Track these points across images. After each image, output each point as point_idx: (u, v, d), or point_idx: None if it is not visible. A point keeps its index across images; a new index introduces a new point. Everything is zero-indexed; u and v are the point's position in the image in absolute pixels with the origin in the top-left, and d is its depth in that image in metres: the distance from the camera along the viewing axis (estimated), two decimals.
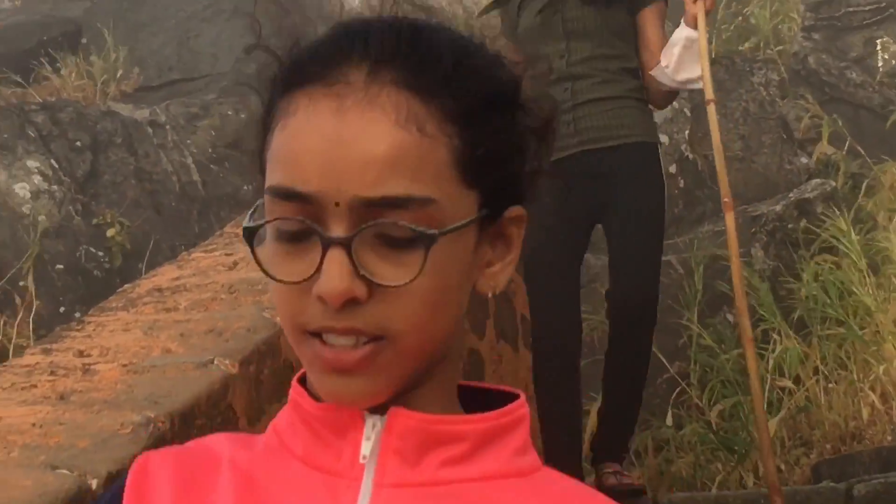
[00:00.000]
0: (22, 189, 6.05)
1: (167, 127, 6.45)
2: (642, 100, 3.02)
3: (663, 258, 3.44)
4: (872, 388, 4.56)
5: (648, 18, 3.01)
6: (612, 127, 2.92)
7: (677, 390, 4.81)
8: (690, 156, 5.61)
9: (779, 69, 6.14)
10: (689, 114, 5.60)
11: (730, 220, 2.85)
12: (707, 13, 2.86)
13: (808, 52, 6.17)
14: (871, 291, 4.87)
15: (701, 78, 2.84)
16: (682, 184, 5.56)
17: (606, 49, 2.98)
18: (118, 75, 6.76)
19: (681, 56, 2.85)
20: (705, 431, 4.52)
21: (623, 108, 2.94)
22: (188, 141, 6.51)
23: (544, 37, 2.98)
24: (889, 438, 4.43)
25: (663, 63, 2.88)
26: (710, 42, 5.76)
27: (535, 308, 3.03)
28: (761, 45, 6.36)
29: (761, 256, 5.30)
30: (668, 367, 4.88)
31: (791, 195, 5.51)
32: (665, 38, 2.96)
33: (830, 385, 4.69)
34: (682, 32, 2.86)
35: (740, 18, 6.59)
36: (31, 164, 6.13)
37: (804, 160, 5.73)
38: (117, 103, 6.66)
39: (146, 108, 6.56)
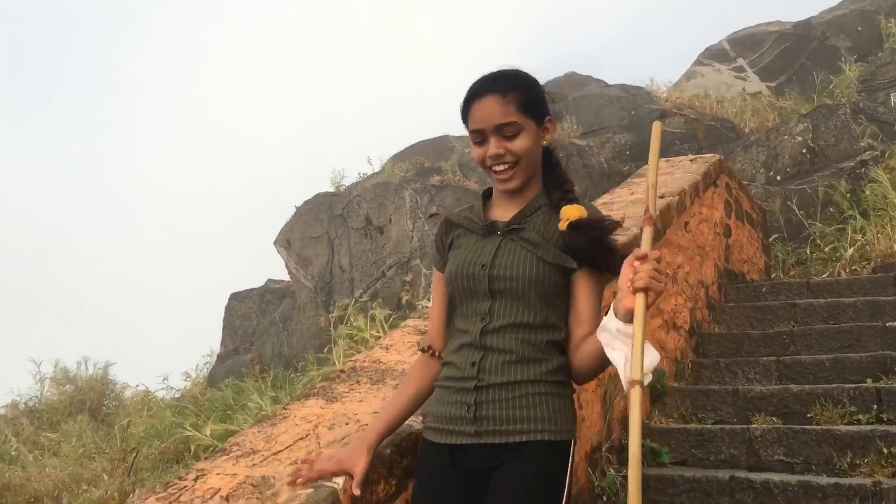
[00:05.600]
0: None
1: (593, 147, 12.06)
2: (562, 382, 1.96)
3: None
4: None
5: (582, 281, 1.96)
6: (518, 419, 1.91)
7: None
8: None
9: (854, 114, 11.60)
10: None
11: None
12: (647, 308, 1.73)
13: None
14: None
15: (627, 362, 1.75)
16: None
17: (531, 317, 1.95)
18: (573, 128, 12.11)
19: (610, 343, 1.79)
20: None
21: (537, 396, 1.92)
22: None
23: (469, 289, 2.00)
24: None
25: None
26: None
27: None
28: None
29: (844, 183, 9.87)
30: None
31: (858, 159, 10.33)
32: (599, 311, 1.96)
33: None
34: (613, 324, 1.78)
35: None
36: None
37: (863, 144, 10.38)
38: (573, 139, 12.00)
39: (584, 141, 12.04)
